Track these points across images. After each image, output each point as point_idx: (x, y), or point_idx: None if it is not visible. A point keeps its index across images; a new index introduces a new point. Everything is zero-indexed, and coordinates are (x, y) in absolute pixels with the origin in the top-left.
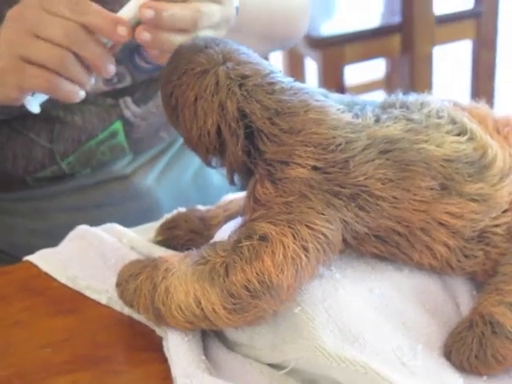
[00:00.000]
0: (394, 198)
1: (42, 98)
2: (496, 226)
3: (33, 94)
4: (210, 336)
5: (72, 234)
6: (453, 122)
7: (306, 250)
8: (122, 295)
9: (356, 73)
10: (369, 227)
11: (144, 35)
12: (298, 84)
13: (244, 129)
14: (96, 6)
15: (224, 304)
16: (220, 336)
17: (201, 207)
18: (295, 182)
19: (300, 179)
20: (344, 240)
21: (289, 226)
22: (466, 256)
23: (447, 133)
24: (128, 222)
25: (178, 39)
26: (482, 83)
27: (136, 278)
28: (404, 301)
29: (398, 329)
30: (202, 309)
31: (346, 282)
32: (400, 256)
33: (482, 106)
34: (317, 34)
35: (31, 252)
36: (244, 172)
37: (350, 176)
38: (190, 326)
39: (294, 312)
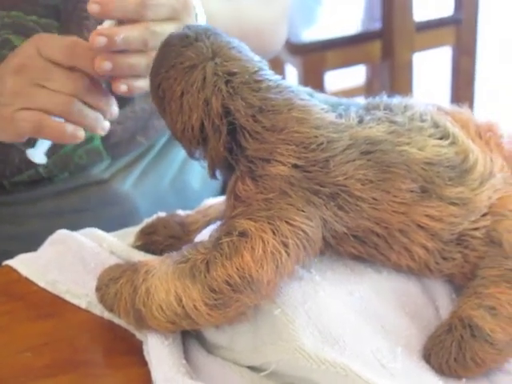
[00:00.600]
0: (373, 199)
1: (45, 146)
2: (475, 229)
3: (33, 145)
4: (190, 339)
5: (52, 239)
6: (436, 125)
7: (285, 245)
8: (102, 299)
9: (336, 79)
10: (347, 227)
11: (104, 64)
12: (284, 82)
13: (227, 125)
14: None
15: (205, 300)
16: (200, 339)
17: (180, 212)
18: (275, 179)
19: (280, 176)
20: (324, 239)
21: (268, 222)
22: (444, 258)
23: (430, 136)
24: (106, 227)
25: (138, 61)
26: (462, 90)
27: (116, 281)
28: (383, 304)
29: (378, 331)
30: (183, 306)
31: (325, 284)
32: (378, 257)
33: (464, 110)
34: (297, 40)
35: (9, 257)
36: (225, 168)
37: (330, 175)
38: (172, 327)
39: (274, 314)
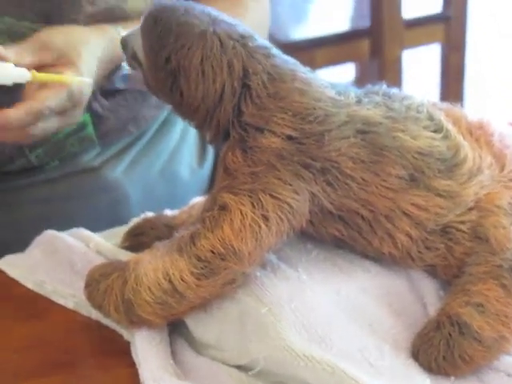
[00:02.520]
0: (362, 179)
1: None
2: (460, 222)
3: None
4: (178, 339)
5: (38, 240)
6: (431, 118)
7: (266, 218)
8: (90, 296)
9: (326, 77)
10: (334, 205)
11: None
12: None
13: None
14: None
15: (192, 269)
16: (188, 339)
17: (168, 212)
18: (265, 151)
19: (271, 149)
20: (310, 214)
21: (249, 196)
22: (427, 248)
23: (424, 128)
24: (98, 215)
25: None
26: (452, 87)
27: (107, 277)
28: (371, 302)
29: (365, 329)
30: (170, 280)
31: (312, 283)
32: (360, 241)
33: (457, 108)
34: (286, 38)
35: (2, 245)
36: (223, 137)
37: (323, 150)
38: (160, 310)
39: (261, 313)
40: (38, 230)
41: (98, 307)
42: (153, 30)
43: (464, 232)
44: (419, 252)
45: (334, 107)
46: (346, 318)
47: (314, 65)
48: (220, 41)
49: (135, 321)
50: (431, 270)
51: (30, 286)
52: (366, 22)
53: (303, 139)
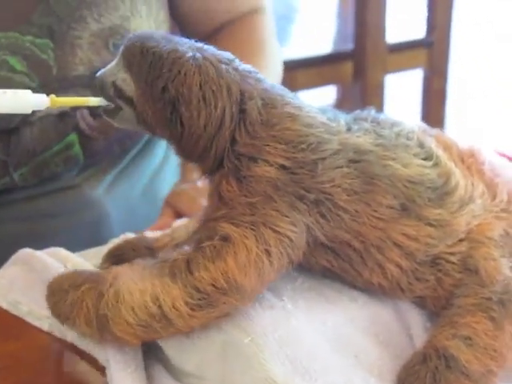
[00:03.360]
0: (355, 211)
1: None
2: (450, 253)
3: None
4: (156, 366)
5: (15, 258)
6: (421, 145)
7: (269, 254)
8: (55, 308)
9: (307, 99)
10: (326, 236)
11: None
12: None
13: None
14: None
15: (187, 299)
16: (166, 365)
17: (149, 234)
18: (260, 181)
19: (265, 179)
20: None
21: (251, 228)
22: (417, 279)
23: (414, 155)
24: (78, 233)
25: None
26: (433, 112)
27: (77, 288)
28: (357, 332)
29: (351, 361)
30: (159, 306)
31: (298, 312)
32: (350, 272)
33: (447, 135)
34: None
35: None
36: (216, 167)
37: (317, 180)
38: (142, 332)
39: (244, 342)
40: (17, 248)
41: (65, 319)
42: (142, 61)
43: (454, 263)
44: (409, 283)
45: (326, 133)
46: (331, 349)
47: (295, 86)
48: (213, 65)
49: (108, 338)
50: (420, 302)
51: (4, 305)
52: (349, 45)
53: (296, 169)
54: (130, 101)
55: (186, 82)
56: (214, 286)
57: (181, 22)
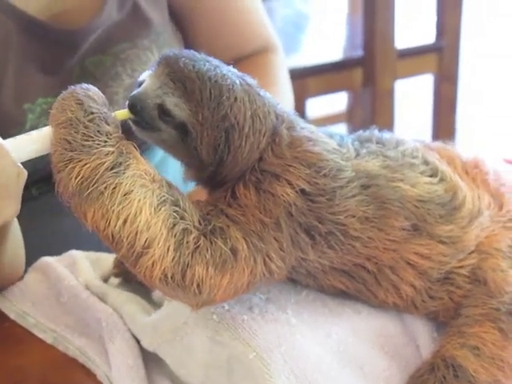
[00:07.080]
0: (368, 238)
1: None
2: (461, 267)
3: None
4: (159, 378)
5: (35, 265)
6: (426, 162)
7: (252, 283)
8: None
9: (318, 106)
10: (332, 262)
11: None
12: None
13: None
14: None
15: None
16: (172, 377)
17: None
18: (277, 203)
19: (283, 202)
20: (308, 273)
21: (254, 253)
22: (431, 297)
23: (421, 173)
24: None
25: None
26: (444, 117)
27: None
28: (362, 344)
29: (356, 373)
30: (147, 239)
31: (302, 326)
32: (365, 293)
33: (450, 147)
34: None
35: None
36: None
37: (333, 210)
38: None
39: (249, 358)
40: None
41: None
42: (202, 87)
43: (464, 276)
44: (423, 301)
45: (342, 160)
46: (336, 362)
47: (306, 93)
48: (256, 92)
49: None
50: (432, 315)
51: (12, 316)
52: (359, 52)
53: (316, 196)
54: (179, 125)
55: (241, 109)
56: (197, 283)
57: None
